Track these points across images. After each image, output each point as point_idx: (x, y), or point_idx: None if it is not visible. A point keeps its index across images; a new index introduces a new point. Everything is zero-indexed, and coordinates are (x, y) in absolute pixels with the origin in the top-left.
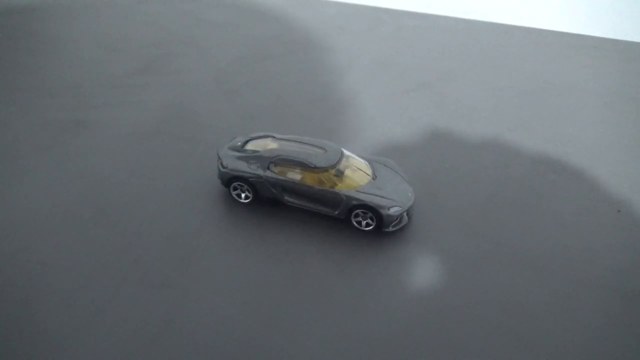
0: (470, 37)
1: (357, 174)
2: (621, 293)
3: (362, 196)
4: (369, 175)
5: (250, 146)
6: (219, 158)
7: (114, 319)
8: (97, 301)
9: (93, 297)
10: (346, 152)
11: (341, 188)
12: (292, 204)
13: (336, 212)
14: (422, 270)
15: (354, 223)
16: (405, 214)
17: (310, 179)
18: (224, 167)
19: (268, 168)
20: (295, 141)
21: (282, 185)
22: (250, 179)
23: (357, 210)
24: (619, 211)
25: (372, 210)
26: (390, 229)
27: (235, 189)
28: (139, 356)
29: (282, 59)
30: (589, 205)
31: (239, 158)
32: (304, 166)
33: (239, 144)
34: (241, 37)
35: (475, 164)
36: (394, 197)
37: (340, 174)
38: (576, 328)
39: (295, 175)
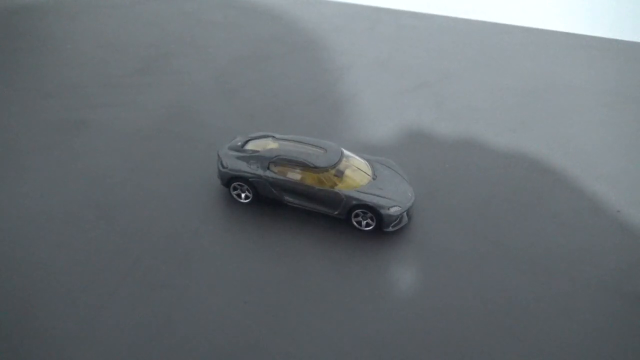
0: (470, 37)
1: (357, 174)
2: (621, 293)
3: (362, 196)
4: (369, 175)
5: (250, 146)
6: (219, 158)
7: (113, 319)
8: (97, 301)
9: (93, 296)
10: (346, 152)
11: (341, 188)
12: (292, 204)
13: (336, 212)
14: (422, 270)
15: (354, 223)
16: (405, 214)
17: (310, 179)
18: (224, 167)
19: (268, 168)
20: (295, 141)
21: (282, 185)
22: (250, 179)
23: (357, 210)
24: (619, 211)
25: (372, 210)
26: (390, 229)
27: (235, 188)
28: (138, 356)
29: (282, 59)
30: (589, 205)
31: (239, 158)
32: (304, 166)
33: (239, 143)
34: (241, 37)
35: (475, 164)
36: (394, 197)
37: (340, 174)
38: (576, 328)
39: (295, 175)
